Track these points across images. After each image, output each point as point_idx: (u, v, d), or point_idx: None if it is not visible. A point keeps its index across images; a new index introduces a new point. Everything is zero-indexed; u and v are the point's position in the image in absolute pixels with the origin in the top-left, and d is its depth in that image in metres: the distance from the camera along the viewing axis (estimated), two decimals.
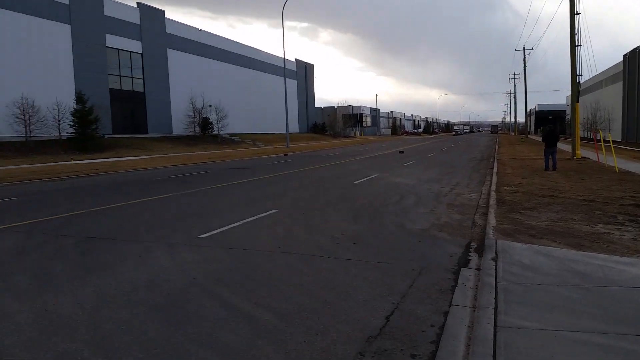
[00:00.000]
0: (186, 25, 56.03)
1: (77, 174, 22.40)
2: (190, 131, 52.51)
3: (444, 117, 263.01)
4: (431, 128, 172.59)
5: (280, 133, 65.00)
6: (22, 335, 4.29)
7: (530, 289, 5.07)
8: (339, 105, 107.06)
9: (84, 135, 36.89)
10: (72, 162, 29.98)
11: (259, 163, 28.81)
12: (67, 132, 36.82)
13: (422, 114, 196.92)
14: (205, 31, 59.36)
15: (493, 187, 13.72)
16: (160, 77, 50.69)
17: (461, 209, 10.80)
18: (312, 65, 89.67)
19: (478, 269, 6.01)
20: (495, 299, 4.80)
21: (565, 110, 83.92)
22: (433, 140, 76.26)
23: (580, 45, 24.71)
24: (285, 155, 37.80)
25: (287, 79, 54.69)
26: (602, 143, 22.06)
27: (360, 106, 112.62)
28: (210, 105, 53.26)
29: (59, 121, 36.15)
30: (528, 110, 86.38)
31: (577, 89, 25.19)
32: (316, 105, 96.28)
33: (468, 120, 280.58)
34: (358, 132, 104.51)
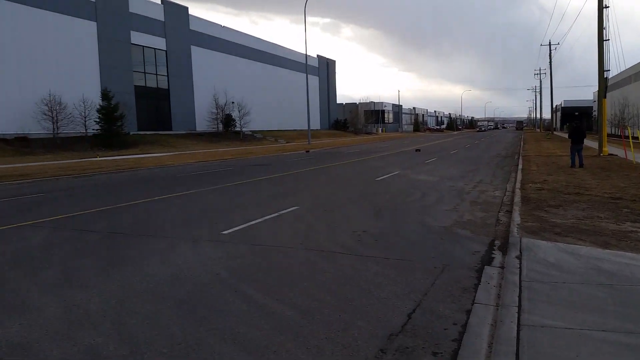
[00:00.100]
0: (209, 22, 56.48)
1: (103, 170, 22.82)
2: (213, 128, 53.00)
3: (467, 113, 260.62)
4: (454, 124, 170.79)
5: (301, 130, 65.13)
6: (50, 329, 4.41)
7: (555, 288, 5.00)
8: (361, 101, 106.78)
9: (110, 131, 37.54)
10: (98, 158, 30.55)
11: (280, 160, 28.93)
12: (93, 129, 37.50)
13: (445, 110, 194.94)
14: (228, 28, 59.75)
15: (518, 185, 13.53)
16: (184, 74, 51.25)
17: (485, 206, 10.68)
18: (334, 62, 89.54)
19: (502, 267, 5.94)
20: (519, 297, 4.74)
21: (592, 107, 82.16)
22: (456, 137, 75.51)
23: (609, 39, 24.13)
24: (307, 152, 37.87)
25: (309, 76, 54.73)
26: (630, 140, 21.56)
27: (382, 102, 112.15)
28: (232, 102, 53.64)
29: (85, 118, 36.84)
30: (554, 106, 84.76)
31: (604, 85, 24.62)
32: (338, 102, 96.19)
33: (492, 116, 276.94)
34: (380, 129, 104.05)
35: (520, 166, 19.63)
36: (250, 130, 57.36)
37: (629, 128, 25.45)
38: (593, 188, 12.30)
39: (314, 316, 4.59)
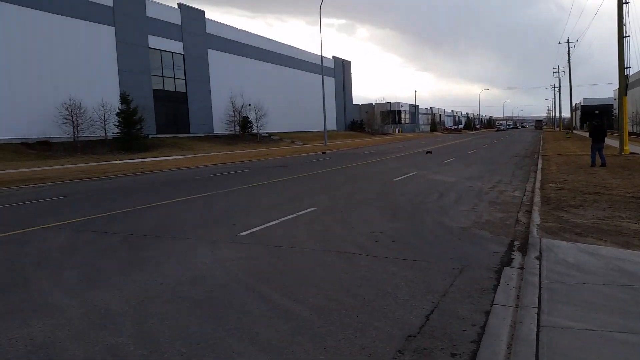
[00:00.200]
0: (226, 25, 56.93)
1: (123, 173, 23.13)
2: (231, 130, 53.37)
3: (485, 113, 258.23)
4: (472, 124, 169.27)
5: (318, 131, 65.20)
6: (72, 329, 4.49)
7: (575, 289, 4.93)
8: (377, 102, 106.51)
9: (129, 135, 38.03)
10: (118, 161, 30.97)
11: (297, 161, 29.00)
12: (112, 133, 38.03)
13: (463, 109, 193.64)
14: (244, 30, 60.13)
15: (537, 184, 13.37)
16: (201, 78, 51.71)
17: (504, 206, 10.58)
18: (349, 63, 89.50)
19: (521, 268, 5.88)
20: (539, 298, 4.69)
21: (612, 105, 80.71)
22: (474, 137, 74.88)
23: (629, 36, 23.74)
24: (323, 153, 37.90)
25: (324, 77, 54.80)
26: None
27: (398, 103, 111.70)
28: (249, 105, 53.97)
29: (104, 121, 37.39)
30: (573, 104, 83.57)
31: (625, 82, 24.18)
32: (354, 103, 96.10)
33: (511, 115, 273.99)
34: (396, 129, 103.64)
35: (539, 166, 19.39)
36: (267, 132, 57.61)
37: None
38: (614, 187, 12.10)
39: (331, 317, 4.60)
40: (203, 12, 52.40)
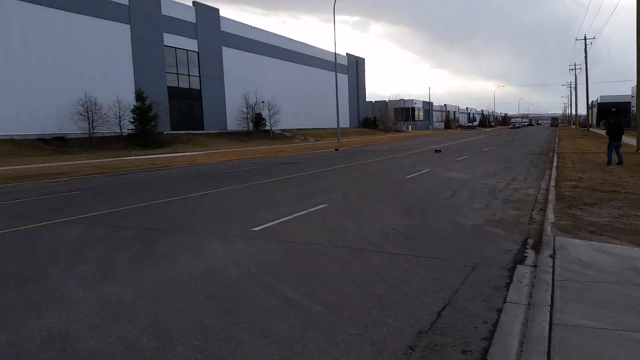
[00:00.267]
0: (240, 22, 57.12)
1: (138, 169, 23.34)
2: (244, 127, 53.59)
3: (500, 110, 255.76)
4: (487, 121, 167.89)
5: (331, 128, 65.16)
6: (86, 322, 4.56)
7: (589, 287, 4.89)
8: (391, 99, 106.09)
9: (144, 131, 38.38)
10: (133, 157, 31.27)
11: (310, 158, 29.02)
12: (127, 129, 38.42)
13: (478, 106, 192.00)
14: (257, 28, 60.28)
15: (552, 182, 13.24)
16: (215, 75, 51.98)
17: (518, 204, 10.50)
18: (363, 60, 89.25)
19: (534, 266, 5.84)
20: (552, 296, 4.66)
21: (629, 102, 79.43)
22: (489, 134, 74.23)
23: None
24: (336, 150, 37.87)
25: (338, 74, 54.69)
26: None
27: (412, 100, 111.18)
28: (262, 102, 54.14)
29: (119, 118, 37.78)
30: (589, 102, 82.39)
31: None
32: (367, 100, 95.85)
33: (526, 112, 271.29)
34: (410, 126, 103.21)
35: (554, 163, 19.19)
36: (280, 129, 57.75)
37: None
38: (630, 186, 11.94)
39: (342, 312, 4.61)
40: (217, 10, 52.63)
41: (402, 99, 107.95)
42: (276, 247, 7.23)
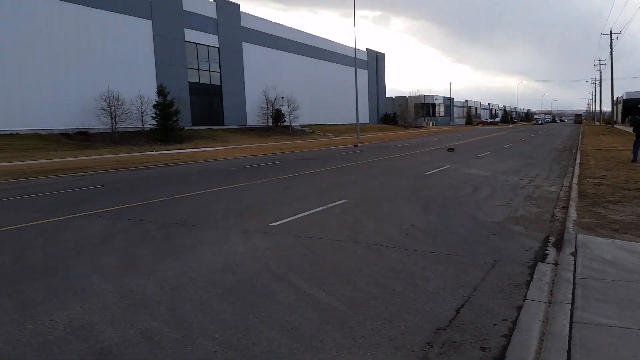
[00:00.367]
0: (260, 18, 57.23)
1: (159, 163, 23.63)
2: (264, 122, 53.81)
3: (523, 106, 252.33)
4: (509, 117, 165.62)
5: (350, 124, 65.04)
6: (108, 313, 4.65)
7: (611, 286, 4.81)
8: (411, 94, 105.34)
9: (165, 127, 38.79)
10: (154, 152, 31.65)
11: (329, 154, 29.02)
12: (149, 124, 38.88)
13: (500, 102, 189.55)
14: (278, 24, 60.34)
15: (575, 180, 13.03)
16: (235, 70, 52.24)
17: (540, 201, 10.36)
18: (383, 55, 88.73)
19: (555, 264, 5.77)
20: (573, 294, 4.59)
21: None
22: (511, 130, 73.28)
23: None
24: (355, 146, 37.80)
25: (357, 69, 54.53)
26: None
27: (432, 95, 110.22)
28: (282, 97, 54.25)
29: (142, 113, 38.25)
30: (614, 98, 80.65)
31: None
32: (387, 95, 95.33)
33: (549, 108, 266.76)
34: (430, 122, 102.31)
35: (578, 161, 18.87)
36: (299, 125, 57.81)
37: None
38: None
39: (360, 307, 4.61)
40: (238, 5, 52.81)
41: (422, 95, 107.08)
42: (295, 242, 7.26)
